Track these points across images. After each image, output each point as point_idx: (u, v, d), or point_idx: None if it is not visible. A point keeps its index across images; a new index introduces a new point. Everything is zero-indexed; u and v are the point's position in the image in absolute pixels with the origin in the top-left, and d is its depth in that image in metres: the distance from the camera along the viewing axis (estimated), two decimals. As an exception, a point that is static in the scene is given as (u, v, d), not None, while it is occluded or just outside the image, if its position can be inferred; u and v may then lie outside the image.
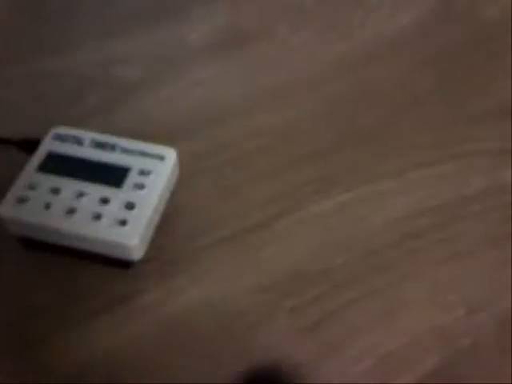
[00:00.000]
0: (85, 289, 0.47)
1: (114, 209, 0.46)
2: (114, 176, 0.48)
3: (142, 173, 0.48)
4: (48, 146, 0.50)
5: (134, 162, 0.49)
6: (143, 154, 0.49)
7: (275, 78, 0.62)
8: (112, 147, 0.50)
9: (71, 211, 0.46)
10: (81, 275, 0.47)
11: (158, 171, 0.48)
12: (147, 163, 0.49)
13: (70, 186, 0.47)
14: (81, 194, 0.47)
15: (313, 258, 0.48)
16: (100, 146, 0.50)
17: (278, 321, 0.44)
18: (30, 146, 0.53)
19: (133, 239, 0.45)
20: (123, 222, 0.45)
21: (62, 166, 0.49)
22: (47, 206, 0.46)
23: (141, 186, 0.47)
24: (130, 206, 0.46)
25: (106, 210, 0.46)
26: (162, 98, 0.60)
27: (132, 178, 0.48)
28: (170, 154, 0.50)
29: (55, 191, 0.47)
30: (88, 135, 0.51)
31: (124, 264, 0.47)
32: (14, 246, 0.48)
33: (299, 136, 0.57)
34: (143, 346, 0.44)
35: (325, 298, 0.46)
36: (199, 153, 0.55)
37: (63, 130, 0.51)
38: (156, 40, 0.66)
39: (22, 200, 0.46)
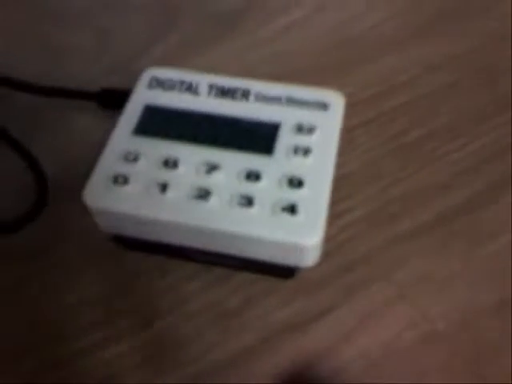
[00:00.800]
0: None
1: (271, 188, 0.29)
2: (258, 137, 0.31)
3: (301, 130, 0.31)
4: (143, 96, 0.33)
5: (284, 115, 0.32)
6: (295, 101, 0.33)
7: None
8: (244, 94, 0.33)
9: (203, 195, 0.29)
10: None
11: (323, 126, 0.31)
12: (304, 115, 0.32)
13: (191, 156, 0.30)
14: (213, 167, 0.30)
15: None
16: (225, 93, 0.33)
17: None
18: (115, 99, 0.36)
19: (311, 235, 0.28)
20: (291, 209, 0.28)
21: (172, 125, 0.32)
22: (163, 188, 0.29)
23: (304, 151, 0.30)
24: (294, 183, 0.29)
25: (257, 190, 0.29)
26: (278, 29, 0.43)
27: (286, 138, 0.31)
28: (337, 101, 0.33)
29: (170, 164, 0.30)
30: (203, 78, 0.34)
31: (285, 272, 0.30)
32: (108, 246, 0.32)
33: (488, 70, 0.39)
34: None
35: None
36: (352, 99, 0.37)
37: (162, 73, 0.34)
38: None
39: (118, 180, 0.30)
